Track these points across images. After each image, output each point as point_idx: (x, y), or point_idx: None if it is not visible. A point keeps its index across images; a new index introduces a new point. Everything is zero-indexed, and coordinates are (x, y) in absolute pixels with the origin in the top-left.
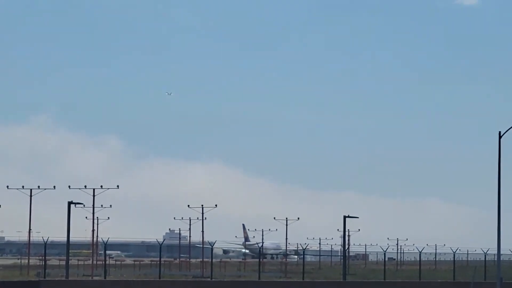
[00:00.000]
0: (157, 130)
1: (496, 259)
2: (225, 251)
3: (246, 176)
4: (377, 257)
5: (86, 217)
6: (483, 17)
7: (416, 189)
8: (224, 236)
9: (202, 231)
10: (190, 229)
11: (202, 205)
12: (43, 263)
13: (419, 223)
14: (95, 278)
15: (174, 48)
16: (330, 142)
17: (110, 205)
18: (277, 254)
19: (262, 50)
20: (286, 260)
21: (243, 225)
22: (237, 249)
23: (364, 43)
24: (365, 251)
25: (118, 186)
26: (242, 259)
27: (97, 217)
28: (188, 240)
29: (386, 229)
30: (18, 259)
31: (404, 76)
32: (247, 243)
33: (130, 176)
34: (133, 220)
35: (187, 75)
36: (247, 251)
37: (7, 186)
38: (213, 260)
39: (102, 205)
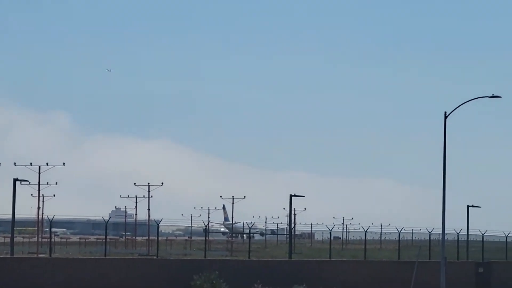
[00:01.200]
0: (105, 107)
1: (440, 238)
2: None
3: (193, 154)
4: (322, 236)
5: (31, 195)
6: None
7: (362, 168)
8: (170, 214)
9: (148, 209)
10: (136, 207)
11: (148, 183)
12: None
13: (364, 202)
14: (40, 255)
15: (124, 23)
16: (277, 120)
17: (56, 183)
18: (254, 233)
19: (206, 29)
20: (232, 239)
21: (224, 205)
22: (217, 229)
23: (305, 20)
24: (311, 230)
25: (64, 163)
26: (188, 237)
27: (43, 195)
28: (134, 218)
29: (332, 208)
30: None
31: (352, 53)
32: (226, 222)
33: (77, 153)
34: (79, 198)
35: (135, 52)
36: (226, 230)
37: None
38: (160, 238)
39: (47, 183)
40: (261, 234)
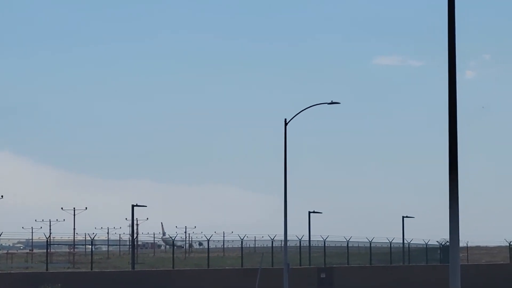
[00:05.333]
0: None
1: (283, 245)
2: (145, 244)
3: (33, 166)
4: (165, 245)
5: None
6: (273, 7)
7: (204, 175)
8: (10, 227)
9: None
10: None
11: None
12: None
13: (207, 210)
14: None
15: None
16: (117, 129)
17: None
18: (184, 245)
19: (34, 44)
20: (74, 250)
21: (161, 223)
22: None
23: (148, 28)
24: (154, 240)
25: None
26: (30, 250)
27: None
28: None
29: (174, 217)
30: None
31: (192, 58)
32: (163, 237)
33: None
34: None
35: None
36: (163, 243)
37: None
38: (0, 251)
39: None
40: (199, 245)
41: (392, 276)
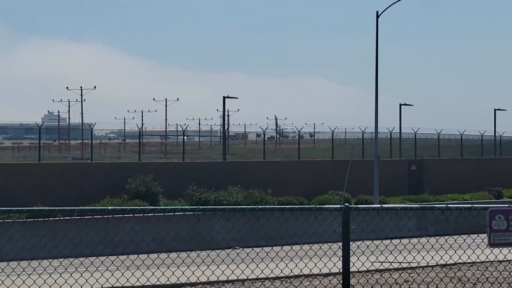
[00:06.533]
0: (35, 9)
1: (373, 137)
2: (258, 135)
3: (126, 57)
4: (256, 136)
5: None
6: None
7: (294, 67)
8: (103, 118)
9: (82, 113)
10: (69, 111)
11: (81, 87)
12: None
13: (298, 102)
14: None
15: None
16: (209, 22)
17: None
18: (294, 136)
19: None
20: (165, 141)
21: (275, 115)
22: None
23: None
24: (245, 131)
25: None
26: (122, 140)
27: None
28: (68, 122)
29: (265, 108)
30: None
31: None
32: (277, 129)
33: (8, 57)
34: (10, 102)
35: None
36: (276, 135)
37: None
38: (94, 141)
39: None
40: (311, 135)
41: (483, 168)
